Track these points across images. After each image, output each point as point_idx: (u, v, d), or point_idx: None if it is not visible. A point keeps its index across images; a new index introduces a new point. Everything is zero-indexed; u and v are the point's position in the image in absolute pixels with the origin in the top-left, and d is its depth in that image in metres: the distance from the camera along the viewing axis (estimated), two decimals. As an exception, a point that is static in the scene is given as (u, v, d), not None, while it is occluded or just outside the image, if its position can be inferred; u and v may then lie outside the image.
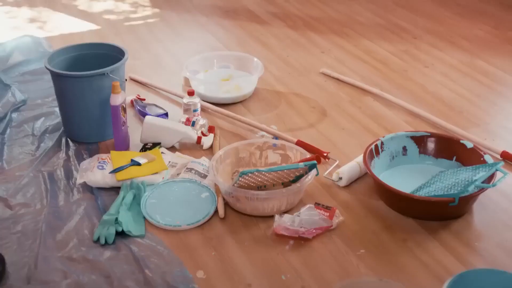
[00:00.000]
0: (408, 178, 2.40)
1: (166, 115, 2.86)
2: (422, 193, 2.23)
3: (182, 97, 2.91)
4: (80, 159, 2.57)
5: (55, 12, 4.22)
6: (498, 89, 3.19)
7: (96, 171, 2.39)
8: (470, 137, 2.66)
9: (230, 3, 4.35)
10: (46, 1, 4.38)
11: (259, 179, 2.23)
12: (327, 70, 3.32)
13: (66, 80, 2.63)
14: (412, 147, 2.51)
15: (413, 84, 3.23)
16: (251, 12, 4.18)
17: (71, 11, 4.23)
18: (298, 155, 2.43)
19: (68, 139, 2.71)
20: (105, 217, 2.17)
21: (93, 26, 3.96)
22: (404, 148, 2.51)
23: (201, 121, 2.72)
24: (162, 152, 2.54)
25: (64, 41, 3.67)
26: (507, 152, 2.56)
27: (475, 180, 2.17)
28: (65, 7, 4.30)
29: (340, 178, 2.39)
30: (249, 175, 2.18)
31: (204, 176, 2.41)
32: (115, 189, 2.36)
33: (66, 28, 3.94)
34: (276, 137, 2.68)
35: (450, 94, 3.13)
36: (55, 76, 2.65)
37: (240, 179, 2.17)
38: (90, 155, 2.58)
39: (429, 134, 2.51)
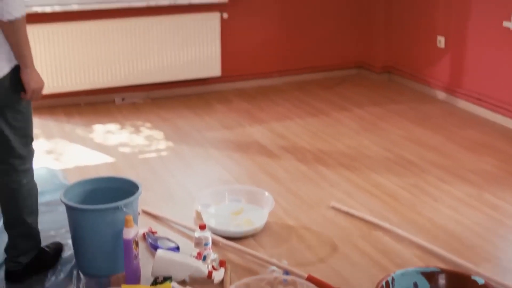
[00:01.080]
0: (420, 316, 2.38)
1: (177, 248, 2.88)
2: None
3: (193, 230, 2.95)
4: (91, 293, 2.57)
5: (71, 143, 4.35)
6: (507, 223, 3.21)
7: (106, 306, 2.39)
8: (481, 272, 2.65)
9: (241, 137, 4.47)
10: (63, 133, 4.52)
11: (270, 316, 2.22)
12: (337, 204, 3.36)
13: (80, 213, 2.68)
14: (423, 283, 2.50)
15: (422, 218, 3.26)
16: (262, 146, 4.29)
17: (87, 143, 4.35)
18: (309, 291, 2.42)
19: (80, 272, 2.72)
20: None
21: (108, 159, 4.07)
22: (415, 284, 2.50)
23: (212, 255, 2.73)
24: (172, 286, 2.54)
25: (79, 173, 3.76)
26: (519, 289, 2.55)
27: (488, 319, 2.15)
28: (81, 139, 4.43)
29: (352, 315, 2.37)
30: (260, 312, 2.17)
31: (215, 312, 2.40)
32: (125, 325, 2.34)
33: (81, 160, 4.04)
34: (287, 272, 2.68)
35: (460, 228, 3.15)
36: (70, 209, 2.71)
37: (251, 316, 2.16)
38: (101, 289, 2.59)
39: (439, 270, 2.51)
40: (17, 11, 2.29)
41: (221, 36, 5.38)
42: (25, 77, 2.44)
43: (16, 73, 2.45)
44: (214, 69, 5.42)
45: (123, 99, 5.25)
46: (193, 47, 5.29)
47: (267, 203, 3.19)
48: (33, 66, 2.48)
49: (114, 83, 5.14)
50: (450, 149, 4.22)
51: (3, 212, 2.68)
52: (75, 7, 4.89)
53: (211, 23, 5.30)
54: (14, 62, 2.43)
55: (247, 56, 5.62)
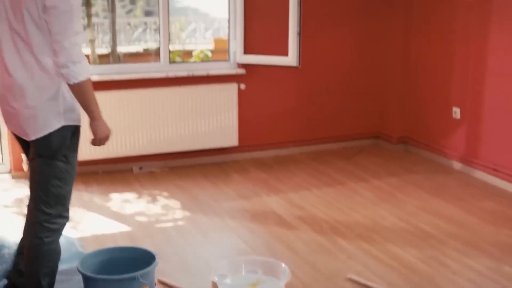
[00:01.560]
0: None
1: (193, 320, 2.85)
2: None
3: (209, 302, 2.93)
4: None
5: (89, 212, 4.37)
6: (528, 298, 3.17)
7: None
8: None
9: (258, 207, 4.48)
10: (81, 201, 4.55)
11: None
12: (354, 276, 3.33)
13: (97, 283, 2.69)
14: None
15: (441, 291, 3.22)
16: (279, 216, 4.28)
17: (104, 212, 4.37)
18: None
19: None
20: None
21: (125, 228, 4.08)
22: None
23: (228, 328, 2.70)
24: None
25: (96, 241, 3.77)
26: None
27: None
28: (99, 207, 4.45)
29: None
30: None
31: None
32: None
33: (98, 229, 4.06)
34: None
35: (480, 302, 3.10)
36: (86, 279, 2.71)
37: None
38: None
39: None
40: (82, 76, 2.56)
41: (239, 106, 5.47)
42: (93, 128, 2.75)
43: (63, 133, 2.68)
44: (231, 138, 5.48)
45: (140, 168, 5.30)
46: (210, 117, 5.37)
47: (284, 274, 3.16)
48: (100, 118, 2.74)
49: (132, 152, 5.20)
50: (468, 221, 4.19)
51: (24, 269, 2.75)
52: (95, 78, 5.00)
53: (229, 93, 5.39)
54: (62, 123, 2.66)
55: (264, 126, 5.68)
